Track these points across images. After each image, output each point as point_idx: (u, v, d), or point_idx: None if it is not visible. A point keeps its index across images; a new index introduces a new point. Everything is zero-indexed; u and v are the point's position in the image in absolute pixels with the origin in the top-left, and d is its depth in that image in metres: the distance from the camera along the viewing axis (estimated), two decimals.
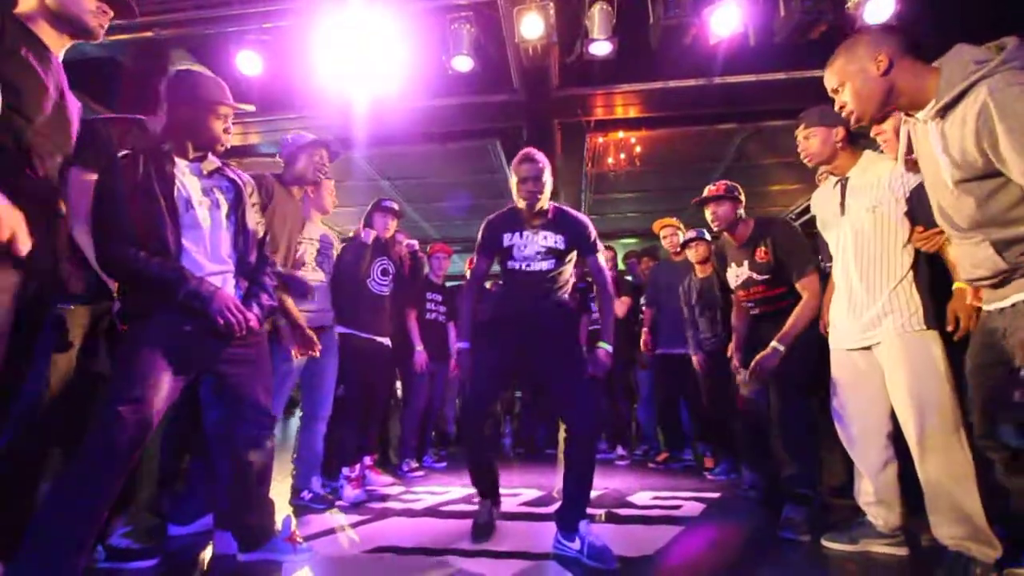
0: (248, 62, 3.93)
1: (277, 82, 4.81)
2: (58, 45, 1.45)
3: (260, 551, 1.77)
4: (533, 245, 2.11)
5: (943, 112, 1.28)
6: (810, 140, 1.97)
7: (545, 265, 2.11)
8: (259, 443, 1.73)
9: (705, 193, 2.58)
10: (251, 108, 1.77)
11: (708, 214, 2.56)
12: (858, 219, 1.87)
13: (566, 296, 2.21)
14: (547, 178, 2.12)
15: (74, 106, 1.49)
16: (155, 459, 2.00)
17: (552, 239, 2.11)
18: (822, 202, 2.06)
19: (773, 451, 2.38)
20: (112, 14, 1.53)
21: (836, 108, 1.51)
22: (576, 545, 1.81)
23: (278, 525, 1.82)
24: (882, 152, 1.94)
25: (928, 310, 1.72)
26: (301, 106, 5.47)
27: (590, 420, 1.93)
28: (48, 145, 1.35)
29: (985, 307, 1.41)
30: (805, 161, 2.02)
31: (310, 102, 5.26)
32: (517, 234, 2.14)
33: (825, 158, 1.96)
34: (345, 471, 2.77)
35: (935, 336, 1.70)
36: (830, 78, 1.48)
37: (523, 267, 2.12)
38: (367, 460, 3.07)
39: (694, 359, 3.31)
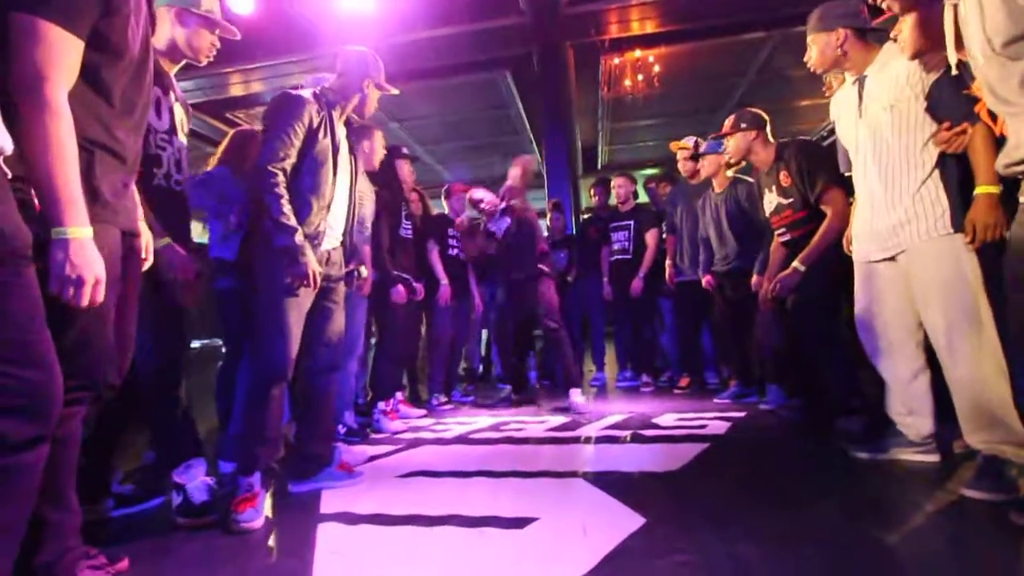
0: (240, 0, 3.73)
1: (272, 22, 4.60)
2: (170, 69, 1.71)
3: (314, 480, 1.87)
4: None
5: None
6: (810, 48, 1.87)
7: None
8: (331, 376, 1.89)
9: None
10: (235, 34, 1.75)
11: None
12: (876, 119, 1.74)
13: None
14: None
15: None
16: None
17: None
18: (841, 104, 1.93)
19: (808, 369, 2.38)
20: (219, 45, 1.75)
21: None
22: None
23: None
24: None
25: (956, 212, 1.60)
26: (300, 47, 5.26)
27: None
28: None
29: None
30: (811, 69, 1.90)
31: (307, 42, 5.05)
32: None
33: (828, 65, 1.86)
34: (380, 405, 2.92)
35: (964, 239, 1.59)
36: None
37: None
38: (398, 395, 3.21)
39: (703, 280, 3.25)
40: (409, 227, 3.23)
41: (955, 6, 1.30)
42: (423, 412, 3.32)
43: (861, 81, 1.80)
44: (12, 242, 0.87)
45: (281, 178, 1.70)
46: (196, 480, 1.63)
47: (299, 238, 1.68)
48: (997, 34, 1.16)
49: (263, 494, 1.65)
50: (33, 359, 0.89)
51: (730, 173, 3.07)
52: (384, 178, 2.94)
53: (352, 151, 1.97)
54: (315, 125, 1.77)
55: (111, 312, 1.14)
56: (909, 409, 1.82)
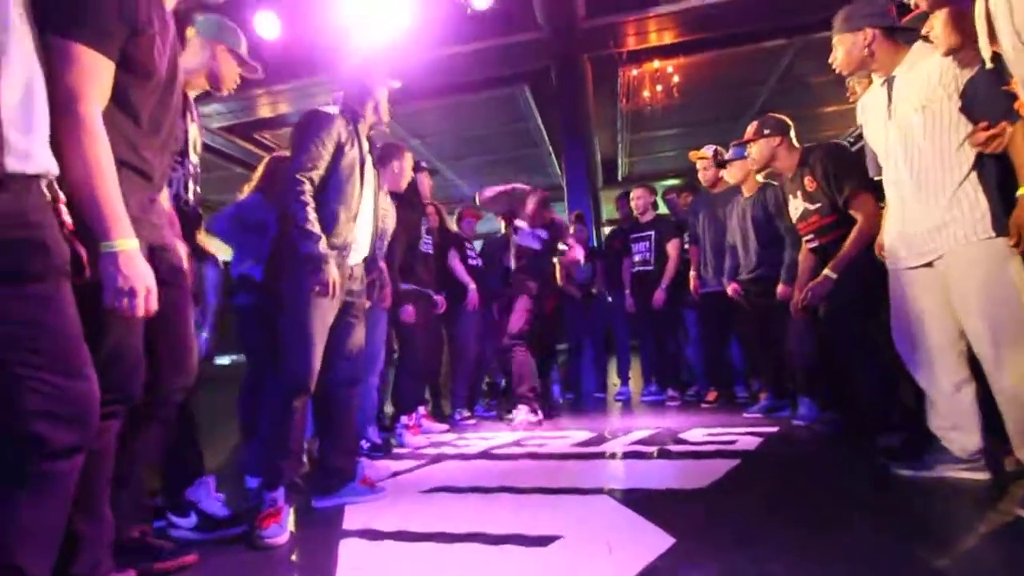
0: (266, 24, 3.87)
1: (297, 45, 4.74)
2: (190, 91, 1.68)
3: (337, 495, 1.87)
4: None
5: None
6: (836, 49, 1.83)
7: None
8: (353, 389, 1.92)
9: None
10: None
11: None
12: (906, 121, 1.68)
13: None
14: None
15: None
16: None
17: None
18: (869, 107, 1.87)
19: (843, 381, 2.29)
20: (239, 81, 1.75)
21: None
22: None
23: None
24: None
25: (997, 214, 1.52)
26: (326, 68, 5.40)
27: None
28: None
29: None
30: (837, 71, 1.87)
31: (333, 62, 5.19)
32: None
33: (855, 66, 1.81)
34: (403, 419, 2.93)
35: (1006, 243, 1.51)
36: None
37: None
38: (421, 410, 3.21)
39: (728, 289, 3.17)
40: (429, 241, 3.27)
41: (987, 2, 1.25)
42: (446, 427, 3.31)
43: (890, 82, 1.75)
44: (56, 258, 0.92)
45: (308, 187, 1.74)
46: (211, 497, 1.64)
47: (323, 246, 1.71)
48: None
49: (287, 509, 1.65)
50: (73, 369, 0.92)
51: (760, 178, 3.01)
52: (405, 193, 2.97)
53: (375, 166, 2.00)
54: (343, 140, 1.82)
55: (140, 325, 1.16)
56: (953, 423, 1.72)
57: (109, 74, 1.05)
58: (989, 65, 1.38)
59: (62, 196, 1.01)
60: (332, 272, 1.71)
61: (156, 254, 1.25)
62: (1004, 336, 1.50)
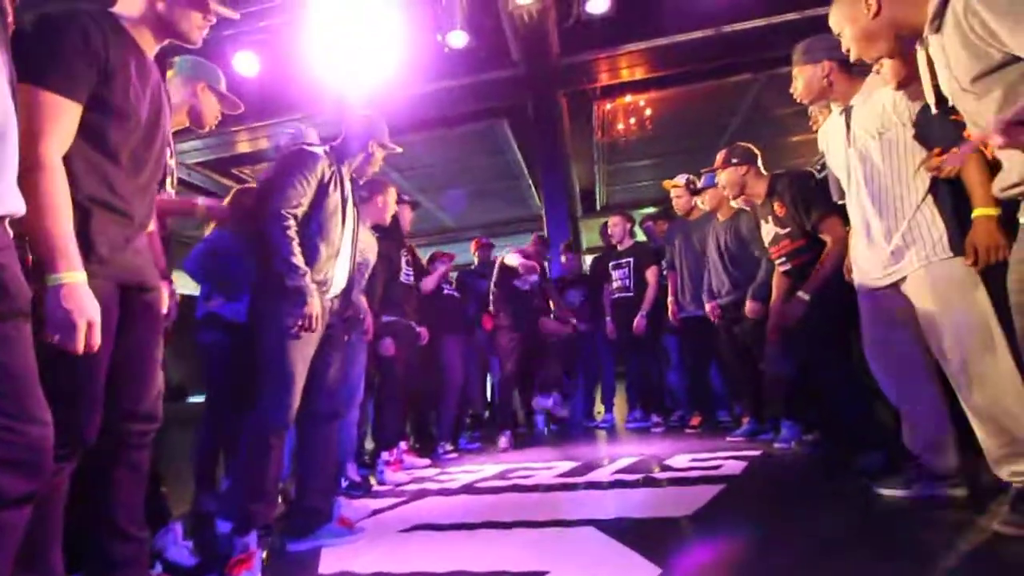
0: (246, 63, 3.93)
1: (276, 82, 4.81)
2: (152, 48, 1.34)
3: (313, 537, 1.79)
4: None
5: (937, 26, 1.22)
6: (796, 80, 1.92)
7: None
8: (332, 424, 1.89)
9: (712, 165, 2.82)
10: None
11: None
12: (865, 147, 1.76)
13: None
14: None
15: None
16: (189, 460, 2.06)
17: None
18: (830, 135, 1.96)
19: (821, 402, 2.32)
20: (214, 21, 1.49)
21: (843, 50, 1.50)
22: None
23: None
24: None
25: (954, 235, 1.59)
26: (304, 105, 5.47)
27: None
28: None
29: None
30: (798, 100, 1.96)
31: (311, 100, 5.26)
32: None
33: (814, 96, 1.91)
34: (384, 455, 2.86)
35: (964, 262, 1.57)
36: (832, 25, 1.51)
37: None
38: (403, 444, 3.16)
39: (707, 307, 3.22)
40: (410, 273, 3.27)
41: (927, 51, 1.34)
42: (427, 462, 3.23)
43: (848, 111, 1.84)
44: (16, 300, 0.90)
45: (292, 223, 1.76)
46: (177, 543, 1.56)
47: (308, 280, 1.72)
48: (964, 73, 1.20)
49: (259, 554, 1.57)
50: (31, 414, 0.89)
51: (734, 204, 3.10)
52: (387, 225, 2.99)
53: (355, 204, 2.02)
54: (327, 179, 1.85)
55: (100, 366, 1.13)
56: (928, 442, 1.74)
57: (73, 116, 1.08)
58: (934, 110, 1.47)
59: (23, 232, 1.01)
60: (316, 305, 1.72)
61: (130, 294, 1.23)
62: (970, 354, 1.53)
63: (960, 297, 1.57)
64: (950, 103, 1.33)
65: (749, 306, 2.81)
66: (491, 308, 3.78)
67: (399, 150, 2.09)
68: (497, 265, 3.81)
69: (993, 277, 1.51)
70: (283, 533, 1.84)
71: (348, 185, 1.97)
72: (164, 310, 1.41)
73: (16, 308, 0.89)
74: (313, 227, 1.82)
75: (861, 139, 1.78)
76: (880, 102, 1.74)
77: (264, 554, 1.61)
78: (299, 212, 1.78)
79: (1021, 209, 1.26)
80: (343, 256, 1.93)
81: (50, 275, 1.00)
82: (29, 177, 0.99)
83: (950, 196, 1.63)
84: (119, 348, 1.18)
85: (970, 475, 1.71)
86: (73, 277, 1.01)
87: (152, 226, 1.38)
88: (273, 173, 1.91)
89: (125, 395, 1.24)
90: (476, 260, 4.45)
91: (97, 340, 1.04)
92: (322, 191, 1.83)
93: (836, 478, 2.08)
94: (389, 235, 3.03)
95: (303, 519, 1.82)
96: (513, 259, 3.69)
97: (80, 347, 1.01)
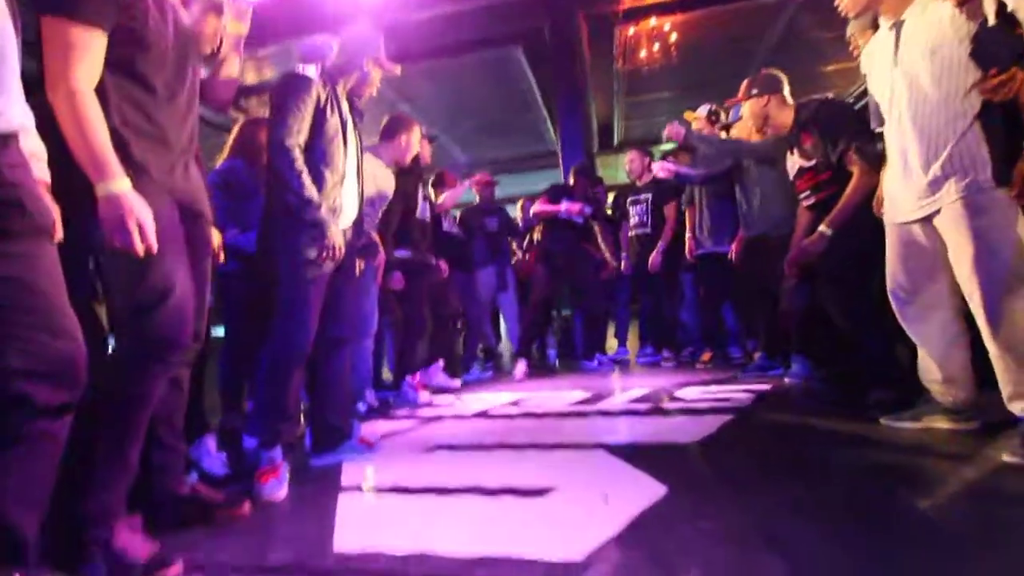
0: None
1: (281, 5, 4.57)
2: None
3: (334, 453, 1.88)
4: None
5: None
6: None
7: None
8: (346, 349, 1.94)
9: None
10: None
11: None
12: (913, 66, 1.61)
13: None
14: None
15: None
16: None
17: None
18: (875, 54, 1.80)
19: (836, 339, 2.30)
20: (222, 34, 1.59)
21: None
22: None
23: None
24: None
25: (1000, 165, 1.49)
26: (310, 30, 5.22)
27: None
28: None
29: None
30: (842, 14, 1.78)
31: (318, 24, 5.02)
32: None
33: (861, 7, 1.72)
34: (408, 379, 2.98)
35: (1008, 193, 1.48)
36: None
37: None
38: (440, 363, 3.39)
39: (732, 248, 3.17)
40: (426, 208, 3.27)
41: None
42: (459, 383, 3.43)
43: (898, 26, 1.68)
44: (37, 218, 0.92)
45: (298, 154, 1.71)
46: (211, 455, 1.65)
47: (325, 211, 1.71)
48: None
49: (285, 466, 1.66)
50: (58, 329, 0.92)
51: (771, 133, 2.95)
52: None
53: (356, 126, 1.95)
54: (323, 103, 1.77)
55: (178, 267, 1.20)
56: (945, 376, 1.73)
57: (99, 46, 1.10)
58: (992, 22, 1.33)
59: (41, 153, 1.06)
60: (336, 237, 1.71)
61: (189, 216, 1.28)
62: (1000, 289, 1.49)
63: (998, 231, 1.50)
64: (1011, 11, 1.21)
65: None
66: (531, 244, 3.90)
67: (398, 70, 1.96)
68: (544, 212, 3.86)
69: None
70: (306, 450, 1.94)
71: (346, 106, 1.89)
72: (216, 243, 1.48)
73: (36, 225, 0.91)
74: (316, 154, 1.76)
75: (910, 57, 1.64)
76: (937, 16, 1.58)
77: (289, 466, 1.70)
78: (302, 140, 1.73)
79: None
80: (349, 181, 1.88)
81: (98, 185, 1.06)
82: (62, 105, 1.06)
83: (1002, 123, 1.52)
84: None
85: (983, 410, 1.71)
86: (119, 185, 1.07)
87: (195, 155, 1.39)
88: (271, 104, 1.84)
89: None
90: (478, 198, 4.35)
91: (153, 240, 1.09)
92: (320, 115, 1.77)
93: (846, 413, 2.10)
94: (408, 170, 2.98)
95: (324, 436, 1.91)
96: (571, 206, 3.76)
97: (139, 247, 1.07)
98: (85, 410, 0.98)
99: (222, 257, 1.65)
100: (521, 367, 3.74)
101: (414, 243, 3.07)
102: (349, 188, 1.88)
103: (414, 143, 2.73)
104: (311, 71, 1.81)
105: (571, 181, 4.11)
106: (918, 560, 0.97)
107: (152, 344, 1.15)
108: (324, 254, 1.70)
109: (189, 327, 1.22)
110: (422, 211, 3.18)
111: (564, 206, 3.77)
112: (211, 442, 1.74)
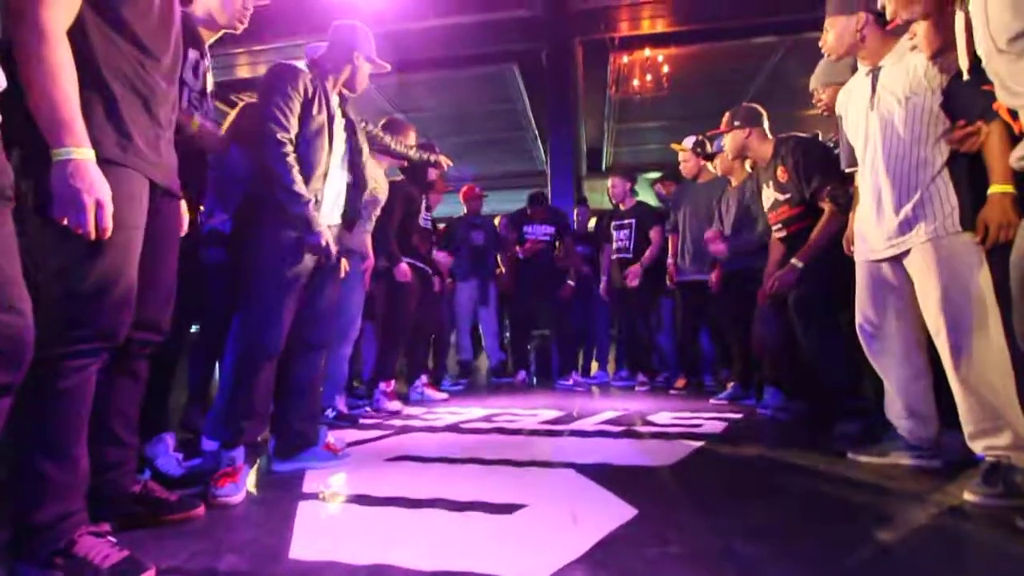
0: None
1: (281, 5, 4.56)
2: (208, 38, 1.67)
3: (297, 459, 1.82)
4: None
5: None
6: (827, 33, 1.82)
7: None
8: (318, 353, 1.89)
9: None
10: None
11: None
12: (889, 110, 1.69)
13: None
14: None
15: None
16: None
17: None
18: (852, 95, 1.88)
19: (807, 370, 2.34)
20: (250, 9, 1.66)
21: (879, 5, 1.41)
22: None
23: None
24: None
25: (966, 210, 1.56)
26: (309, 30, 5.22)
27: None
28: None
29: None
30: (825, 55, 1.87)
31: (316, 25, 5.02)
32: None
33: (844, 50, 1.80)
34: (382, 386, 2.94)
35: (973, 238, 1.54)
36: None
37: None
38: (424, 378, 3.37)
39: (711, 276, 3.21)
40: (428, 218, 3.32)
41: (966, 13, 1.27)
42: (445, 396, 3.39)
43: (875, 72, 1.76)
44: None
45: (290, 147, 1.68)
46: (168, 454, 1.58)
47: (312, 208, 1.67)
48: (1001, 32, 1.14)
49: (245, 469, 1.60)
50: (5, 302, 0.83)
51: (749, 167, 3.03)
52: (412, 170, 3.00)
53: (349, 126, 1.93)
54: (310, 95, 1.75)
55: (133, 258, 1.10)
56: (910, 412, 1.77)
57: None
58: (966, 77, 1.40)
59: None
60: (325, 234, 1.68)
61: (156, 195, 1.18)
62: (965, 329, 1.54)
63: (963, 273, 1.56)
64: (983, 67, 1.27)
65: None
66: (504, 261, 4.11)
67: (387, 67, 1.96)
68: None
69: (997, 257, 1.50)
70: (269, 454, 1.87)
71: (335, 101, 1.87)
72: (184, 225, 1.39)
73: None
74: (300, 145, 1.74)
75: (886, 102, 1.71)
76: (912, 65, 1.66)
77: (250, 470, 1.63)
78: (292, 134, 1.70)
79: None
80: (333, 179, 1.84)
81: (55, 149, 0.93)
82: (27, 46, 0.91)
83: (967, 170, 1.59)
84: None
85: (946, 447, 1.75)
86: (81, 153, 0.94)
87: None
88: (258, 92, 1.82)
89: (139, 305, 1.18)
90: (465, 209, 4.37)
91: (108, 223, 0.98)
92: (307, 107, 1.75)
93: (812, 444, 2.12)
94: (413, 176, 3.05)
95: (288, 442, 1.84)
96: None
97: (91, 228, 0.96)
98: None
99: (184, 229, 1.52)
100: (521, 375, 4.15)
101: (412, 249, 3.07)
102: (333, 184, 1.85)
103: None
104: (300, 63, 1.80)
105: (528, 211, 4.32)
106: None
107: (81, 337, 1.01)
108: (314, 249, 1.68)
109: (127, 321, 1.10)
110: (424, 220, 3.23)
111: (531, 237, 4.17)
112: (170, 440, 1.67)
